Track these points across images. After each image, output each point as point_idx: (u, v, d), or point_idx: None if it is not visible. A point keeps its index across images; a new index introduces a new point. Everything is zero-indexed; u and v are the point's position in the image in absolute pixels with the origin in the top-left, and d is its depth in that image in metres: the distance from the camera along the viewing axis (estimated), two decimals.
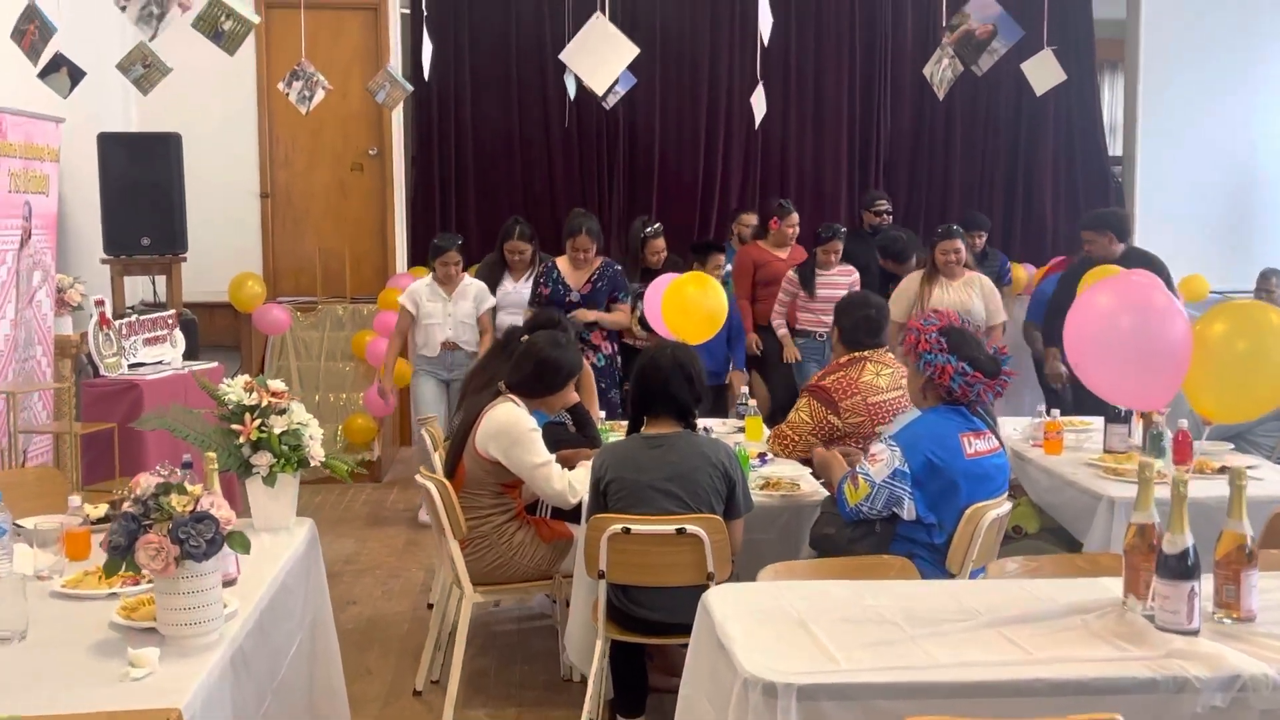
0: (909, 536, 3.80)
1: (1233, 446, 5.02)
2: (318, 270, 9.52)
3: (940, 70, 6.44)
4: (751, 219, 8.71)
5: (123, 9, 4.89)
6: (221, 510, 2.81)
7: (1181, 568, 2.68)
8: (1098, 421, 5.23)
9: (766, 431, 5.40)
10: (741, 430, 5.59)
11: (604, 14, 5.81)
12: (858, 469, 3.87)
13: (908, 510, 3.76)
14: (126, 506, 2.80)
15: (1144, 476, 2.86)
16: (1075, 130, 10.47)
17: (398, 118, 9.83)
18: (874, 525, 3.82)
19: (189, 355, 7.14)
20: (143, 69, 5.35)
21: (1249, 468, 4.59)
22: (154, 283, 8.57)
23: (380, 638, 5.42)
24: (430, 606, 5.50)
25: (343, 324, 9.18)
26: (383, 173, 9.83)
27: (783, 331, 7.59)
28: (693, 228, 10.09)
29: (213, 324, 9.04)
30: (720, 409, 7.17)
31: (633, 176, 10.32)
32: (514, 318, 7.04)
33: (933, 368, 3.86)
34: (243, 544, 2.87)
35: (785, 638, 2.73)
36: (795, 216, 7.93)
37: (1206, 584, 2.79)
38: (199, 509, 2.76)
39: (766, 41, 6.91)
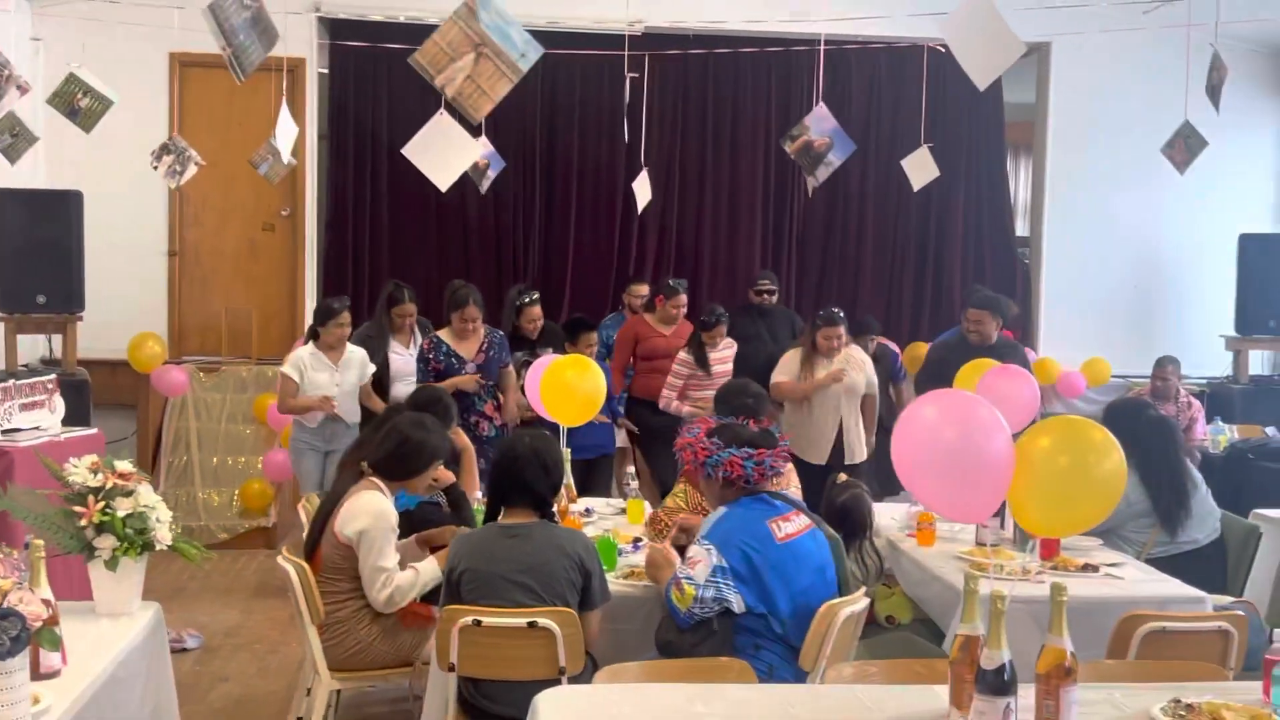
0: (749, 628, 3.84)
1: (1101, 543, 5.07)
2: (223, 330, 9.43)
3: (812, 167, 6.57)
4: (642, 289, 8.74)
5: None
6: (30, 606, 2.74)
7: (998, 683, 2.68)
8: None
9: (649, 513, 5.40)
10: (623, 512, 5.57)
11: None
12: (679, 574, 3.91)
13: (737, 605, 3.82)
14: None
15: (969, 588, 2.87)
16: (984, 211, 10.64)
17: (311, 178, 9.81)
18: (712, 624, 3.83)
19: (80, 418, 7.01)
20: (10, 138, 5.31)
21: (1112, 565, 4.72)
22: (50, 341, 8.45)
23: (247, 718, 5.31)
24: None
25: (246, 386, 9.07)
26: (295, 233, 9.79)
27: (686, 409, 7.55)
28: (607, 299, 10.12)
29: (114, 382, 8.90)
30: (605, 483, 7.15)
31: (548, 246, 10.37)
32: (409, 387, 7.00)
33: (720, 466, 4.03)
34: (52, 641, 2.81)
35: None
36: (682, 298, 7.94)
37: (1030, 694, 2.80)
38: (5, 605, 2.69)
39: (627, 138, 7.00)
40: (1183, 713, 2.90)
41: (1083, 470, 2.90)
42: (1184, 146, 6.91)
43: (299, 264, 9.79)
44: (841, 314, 7.19)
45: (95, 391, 8.00)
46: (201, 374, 9.02)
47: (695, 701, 2.99)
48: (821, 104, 6.41)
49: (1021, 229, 11.39)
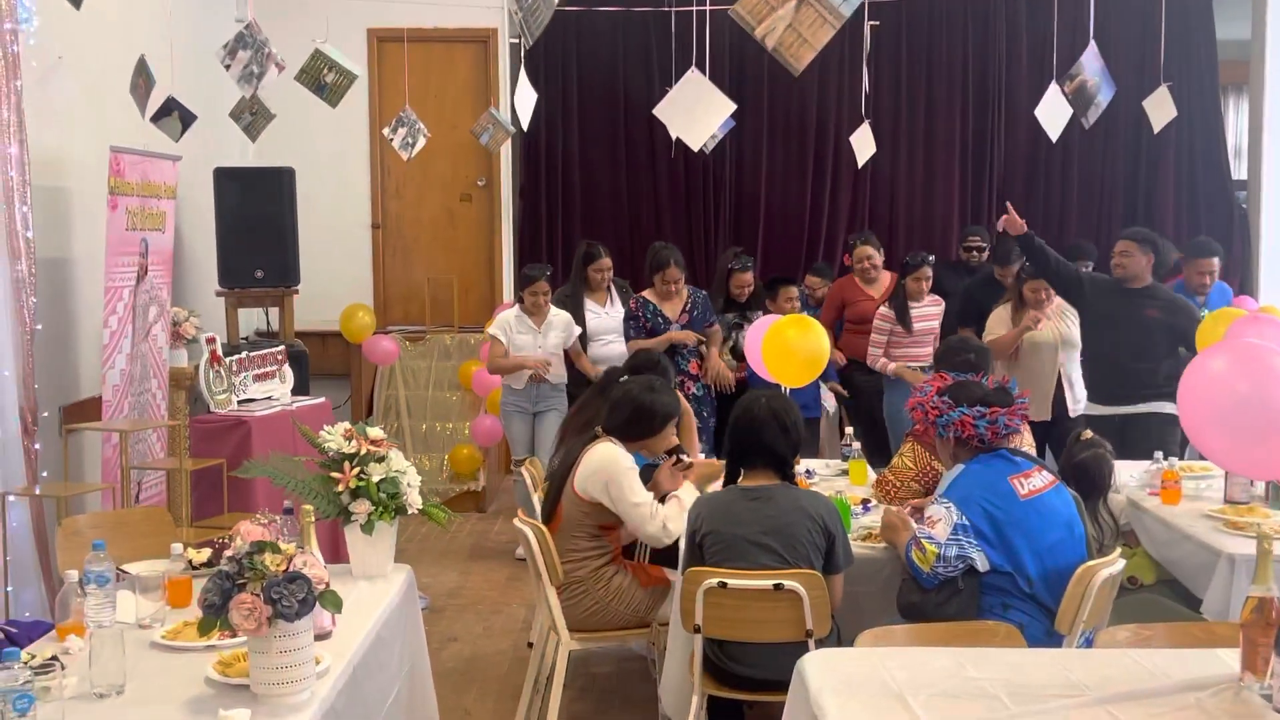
0: (996, 586, 3.76)
1: None
2: (426, 300, 9.63)
3: (1052, 114, 6.32)
4: (791, 291, 8.47)
5: (227, 68, 5.01)
6: (314, 569, 2.81)
7: None
8: (1219, 469, 5.03)
9: (872, 475, 5.31)
10: (845, 474, 5.50)
11: (705, 58, 5.78)
12: (919, 534, 3.83)
13: (981, 563, 3.75)
14: (222, 564, 2.82)
15: (1262, 548, 2.72)
16: (1198, 155, 10.13)
17: (506, 148, 9.91)
18: (957, 583, 3.75)
19: (299, 387, 7.26)
20: (250, 116, 5.47)
21: None
22: (267, 314, 8.75)
23: (480, 678, 5.43)
24: (530, 645, 5.49)
25: (450, 353, 9.25)
26: (491, 203, 9.92)
27: (893, 367, 7.39)
28: (799, 261, 9.98)
29: (325, 353, 9.20)
30: (812, 444, 7.06)
31: (738, 209, 10.27)
32: (607, 347, 7.06)
33: (953, 426, 3.94)
34: (335, 603, 2.88)
35: (881, 713, 2.65)
36: (862, 249, 7.76)
37: None
38: (292, 569, 2.77)
39: (869, 89, 6.85)
40: None
41: None
42: None
43: (495, 232, 9.93)
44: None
45: (309, 362, 8.25)
46: (407, 342, 9.23)
47: (966, 665, 2.91)
48: (1093, 43, 6.15)
49: (1238, 172, 10.82)
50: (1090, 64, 6.00)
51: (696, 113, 5.52)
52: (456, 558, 7.50)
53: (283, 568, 2.76)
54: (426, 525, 8.06)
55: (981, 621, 3.45)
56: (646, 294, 7.14)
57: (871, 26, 8.46)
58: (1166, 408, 6.07)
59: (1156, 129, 7.96)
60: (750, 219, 10.26)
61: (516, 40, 10.05)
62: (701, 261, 9.97)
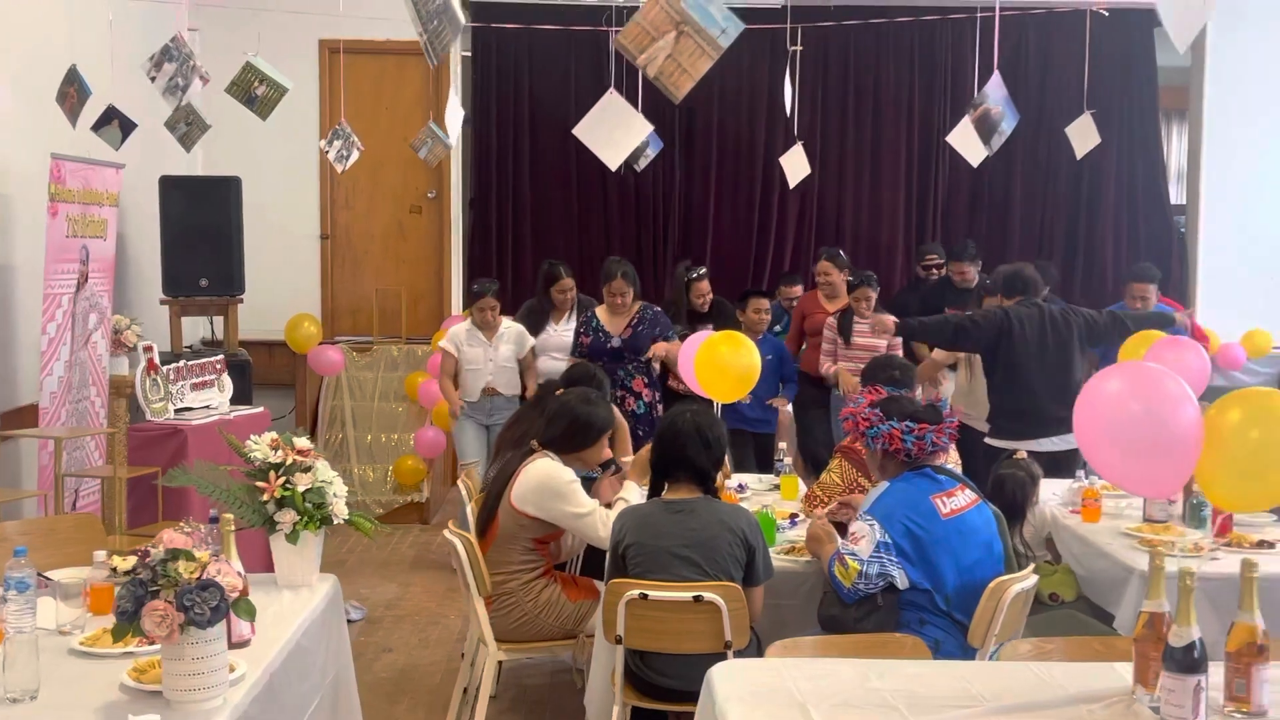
0: (915, 603, 3.84)
1: (1276, 518, 4.90)
2: (374, 310, 9.65)
3: (966, 141, 6.46)
4: (795, 290, 8.66)
5: (152, 79, 5.03)
6: (228, 577, 2.84)
7: (1187, 660, 2.62)
8: None
9: (804, 489, 5.39)
10: (776, 488, 5.57)
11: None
12: (842, 549, 3.91)
13: (901, 580, 3.83)
14: (136, 572, 2.85)
15: (1155, 564, 2.81)
16: (1138, 179, 10.32)
17: (457, 161, 9.96)
18: (877, 599, 3.83)
19: (242, 396, 7.26)
20: (185, 126, 5.49)
21: None
22: (211, 323, 8.74)
23: (412, 688, 5.45)
24: (464, 656, 5.52)
25: (397, 365, 9.28)
26: (441, 215, 9.96)
27: (833, 369, 7.50)
28: (745, 277, 10.09)
29: (271, 363, 9.20)
30: (767, 458, 7.14)
31: (687, 225, 10.37)
32: (557, 363, 7.10)
33: (881, 438, 4.03)
34: (249, 611, 2.91)
35: None
36: (822, 264, 7.89)
37: (1219, 673, 2.74)
38: (205, 576, 2.80)
39: (790, 112, 6.93)
40: None
41: (1275, 443, 2.82)
42: None
43: (445, 244, 9.96)
44: (994, 282, 7.04)
45: (254, 372, 8.25)
46: (354, 353, 9.25)
47: (870, 676, 2.98)
48: (997, 73, 6.30)
49: (1176, 197, 11.03)
50: (994, 93, 6.15)
51: (615, 133, 5.62)
52: (398, 569, 7.52)
53: (196, 575, 2.79)
54: (369, 537, 8.06)
55: (889, 634, 3.53)
56: (599, 309, 7.21)
57: (796, 51, 8.58)
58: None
59: (1079, 154, 8.19)
60: (699, 236, 10.35)
61: (468, 54, 10.13)
62: (650, 277, 10.03)
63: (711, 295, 7.70)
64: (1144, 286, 7.61)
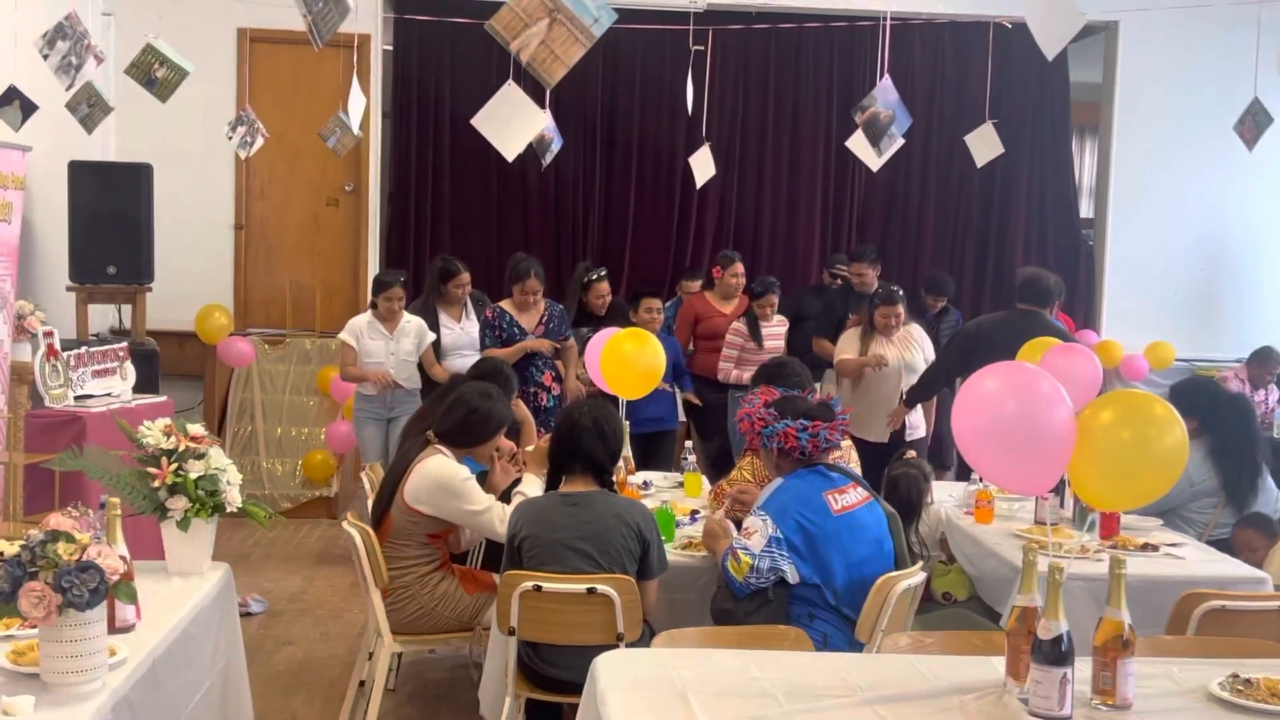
0: (804, 598, 3.91)
1: (1161, 523, 5.04)
2: (288, 303, 9.55)
3: (862, 146, 6.58)
4: (694, 285, 8.77)
5: (45, 57, 4.96)
6: (108, 560, 2.82)
7: (1055, 653, 2.70)
8: None
9: (708, 486, 5.44)
10: (681, 485, 5.61)
11: (578, 70, 5.88)
12: (735, 544, 3.96)
13: (791, 575, 3.89)
14: (14, 553, 2.82)
15: (1027, 560, 2.89)
16: (1048, 192, 10.53)
17: (375, 153, 9.91)
18: (767, 593, 3.89)
19: (149, 386, 7.17)
20: (88, 108, 5.41)
21: (1172, 545, 4.70)
22: (119, 311, 8.62)
23: (310, 681, 5.42)
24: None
25: (309, 358, 9.20)
26: (358, 208, 9.88)
27: (745, 378, 7.57)
28: (665, 274, 10.16)
29: (182, 354, 9.08)
30: (667, 457, 7.19)
31: (606, 224, 10.40)
32: (462, 360, 7.10)
33: (776, 436, 4.10)
34: (129, 594, 2.90)
35: (660, 710, 2.75)
36: (738, 266, 8.00)
37: (1087, 668, 2.82)
38: (85, 558, 2.78)
39: (690, 110, 7.03)
40: (1240, 687, 2.90)
41: (1145, 444, 2.91)
42: (1253, 124, 6.83)
43: (362, 238, 9.89)
44: (900, 292, 7.19)
45: (163, 362, 8.14)
46: (266, 346, 9.16)
47: (752, 666, 3.03)
48: (887, 76, 6.40)
49: (1086, 210, 11.28)
50: (884, 96, 6.26)
51: (513, 124, 5.65)
52: (302, 563, 7.46)
53: (75, 557, 2.77)
54: (276, 529, 8.01)
55: (773, 626, 3.58)
56: (504, 304, 7.20)
57: (696, 51, 8.68)
58: None
59: (980, 163, 8.38)
60: (618, 234, 10.39)
61: (390, 47, 10.08)
62: (569, 275, 10.04)
63: (609, 298, 7.71)
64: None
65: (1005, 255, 10.50)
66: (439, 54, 10.13)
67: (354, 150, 9.44)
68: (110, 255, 7.80)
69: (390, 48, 10.16)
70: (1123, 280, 10.31)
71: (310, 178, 9.81)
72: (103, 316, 8.78)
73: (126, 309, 8.39)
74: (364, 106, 7.59)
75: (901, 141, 6.83)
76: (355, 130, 7.46)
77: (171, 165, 8.71)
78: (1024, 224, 10.49)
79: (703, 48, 8.86)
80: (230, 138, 7.01)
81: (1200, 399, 4.70)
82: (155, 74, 5.04)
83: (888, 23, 6.87)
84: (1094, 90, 10.69)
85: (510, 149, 5.90)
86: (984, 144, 8.27)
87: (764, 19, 9.90)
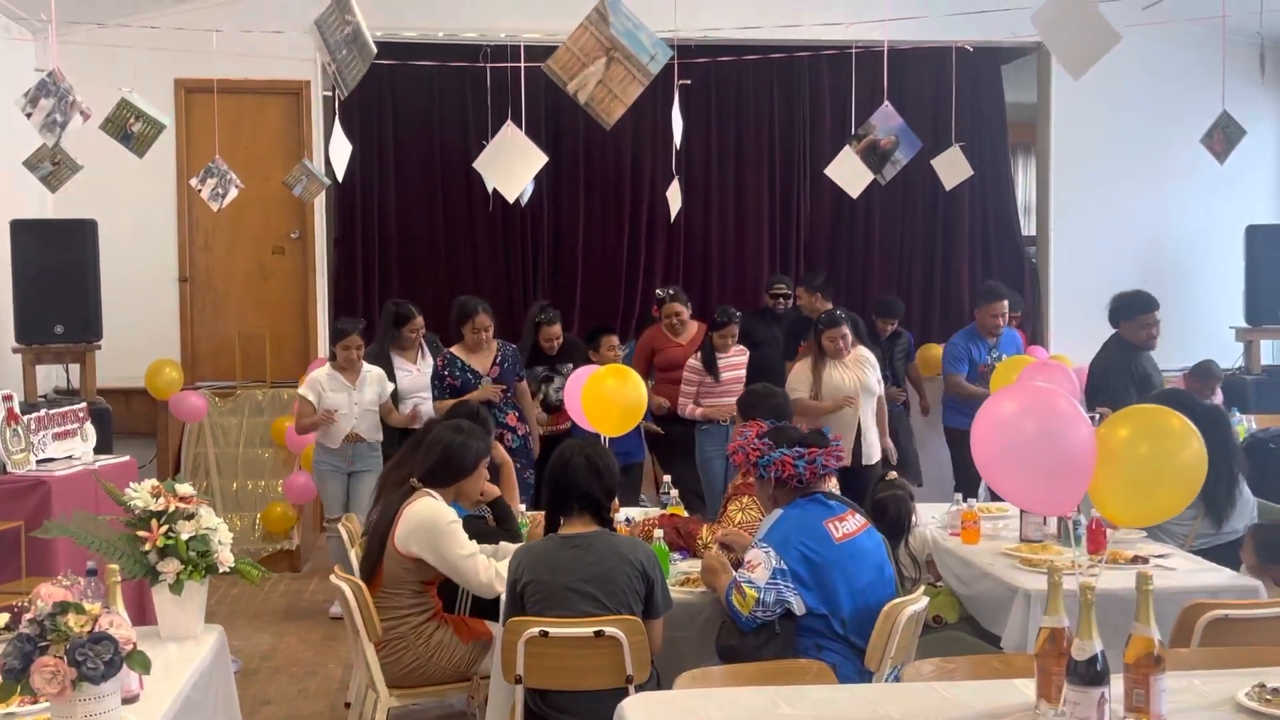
0: (811, 629, 3.89)
1: (1145, 535, 5.08)
2: (237, 355, 9.40)
3: (847, 172, 6.63)
4: (613, 340, 8.67)
5: (28, 116, 4.86)
6: (121, 630, 2.73)
7: (1091, 674, 2.69)
8: (1014, 509, 5.28)
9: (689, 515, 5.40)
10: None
11: (521, 112, 5.89)
12: (739, 578, 3.95)
13: (798, 606, 3.88)
14: (23, 627, 2.72)
15: (1053, 581, 2.87)
16: (990, 213, 10.66)
17: (320, 201, 9.79)
18: (774, 626, 3.87)
19: (102, 446, 6.99)
20: (51, 166, 5.30)
21: (1159, 556, 4.73)
22: (67, 370, 8.43)
23: None
24: (348, 705, 5.39)
25: (262, 409, 9.06)
26: (305, 255, 9.77)
27: (700, 411, 7.56)
28: (617, 313, 10.14)
29: (130, 411, 8.90)
30: (634, 490, 7.15)
31: (556, 262, 10.37)
32: (424, 403, 7.03)
33: (773, 466, 4.09)
34: (143, 664, 2.80)
35: None
36: (672, 306, 7.92)
37: (1118, 684, 2.81)
38: (97, 629, 2.69)
39: (678, 144, 7.16)
40: (1269, 696, 2.91)
41: (1164, 458, 2.92)
42: (1223, 137, 6.98)
43: (310, 286, 9.78)
44: (844, 314, 7.21)
45: (113, 420, 7.96)
46: (217, 399, 9.01)
47: (780, 703, 2.99)
48: (887, 103, 6.47)
49: (1027, 228, 11.43)
50: (883, 123, 6.32)
51: (514, 165, 5.63)
52: (270, 619, 7.31)
53: (88, 629, 2.68)
54: (239, 586, 7.84)
55: (794, 660, 3.55)
56: (455, 349, 7.14)
57: (682, 85, 8.67)
58: None
59: (949, 187, 8.44)
60: (568, 271, 10.36)
61: (330, 93, 9.98)
62: (520, 314, 9.99)
63: (560, 340, 7.64)
64: (998, 304, 7.93)
65: (951, 276, 10.61)
66: (380, 97, 10.05)
67: (296, 196, 9.36)
68: (57, 313, 7.66)
69: (330, 93, 10.07)
70: (1067, 295, 10.43)
71: (254, 227, 9.69)
72: (47, 377, 8.59)
73: (74, 368, 8.21)
74: (349, 153, 7.52)
75: (904, 163, 6.87)
76: (325, 179, 7.37)
77: (111, 219, 8.56)
78: (968, 244, 10.61)
79: (687, 81, 8.88)
80: (200, 190, 6.88)
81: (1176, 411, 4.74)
82: (131, 129, 4.95)
83: (885, 50, 6.94)
84: (1029, 110, 10.86)
85: (511, 190, 5.88)
86: (952, 167, 8.32)
87: (704, 53, 9.94)
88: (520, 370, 7.14)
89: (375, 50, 4.08)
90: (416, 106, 10.10)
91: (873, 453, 7.17)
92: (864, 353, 7.28)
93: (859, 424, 7.09)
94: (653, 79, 4.36)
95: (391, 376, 7.20)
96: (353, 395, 7.01)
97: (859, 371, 7.13)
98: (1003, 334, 8.08)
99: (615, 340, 7.53)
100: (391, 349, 7.34)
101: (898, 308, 8.92)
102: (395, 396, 7.18)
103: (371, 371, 7.09)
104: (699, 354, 7.56)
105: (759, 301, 10.06)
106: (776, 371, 7.74)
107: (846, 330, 7.11)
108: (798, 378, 7.20)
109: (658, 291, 8.30)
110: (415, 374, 7.32)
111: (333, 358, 7.13)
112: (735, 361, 7.59)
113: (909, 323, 10.26)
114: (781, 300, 8.65)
